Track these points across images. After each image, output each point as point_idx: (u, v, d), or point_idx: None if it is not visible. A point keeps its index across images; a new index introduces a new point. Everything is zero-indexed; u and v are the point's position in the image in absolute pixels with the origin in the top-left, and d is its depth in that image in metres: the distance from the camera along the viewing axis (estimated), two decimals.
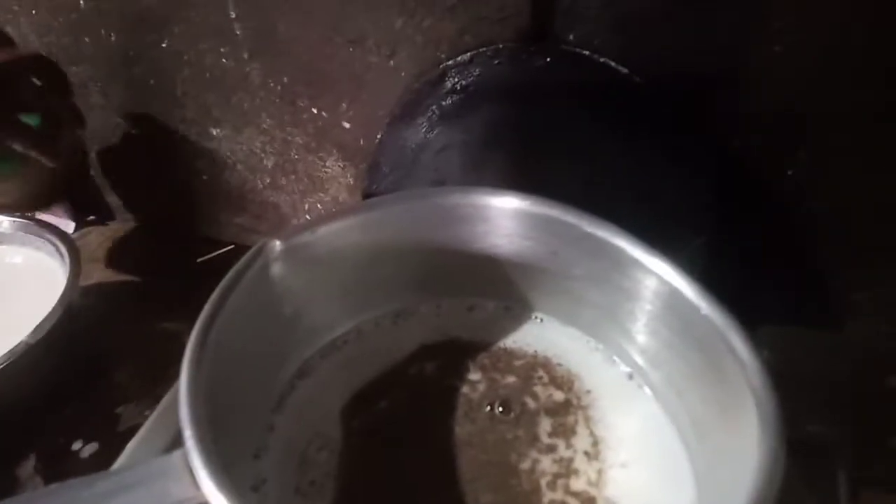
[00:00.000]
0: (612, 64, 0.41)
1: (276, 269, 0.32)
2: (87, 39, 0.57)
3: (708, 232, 0.41)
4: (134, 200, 0.68)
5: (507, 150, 0.43)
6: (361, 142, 0.52)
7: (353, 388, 0.35)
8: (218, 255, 0.65)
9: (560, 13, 0.40)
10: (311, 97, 0.52)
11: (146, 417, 0.41)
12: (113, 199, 0.71)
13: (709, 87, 0.40)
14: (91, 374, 0.54)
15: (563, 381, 0.35)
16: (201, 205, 0.66)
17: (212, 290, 0.29)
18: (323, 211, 0.61)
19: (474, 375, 0.36)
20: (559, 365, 0.36)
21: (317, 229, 0.33)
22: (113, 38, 0.56)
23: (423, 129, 0.46)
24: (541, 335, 0.38)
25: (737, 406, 0.26)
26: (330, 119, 0.52)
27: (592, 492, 0.30)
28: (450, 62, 0.44)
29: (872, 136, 0.39)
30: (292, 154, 0.57)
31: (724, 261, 0.40)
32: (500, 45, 0.42)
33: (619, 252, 0.31)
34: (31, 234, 0.57)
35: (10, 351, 0.46)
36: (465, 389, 0.35)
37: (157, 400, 0.42)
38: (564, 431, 0.33)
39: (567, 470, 0.31)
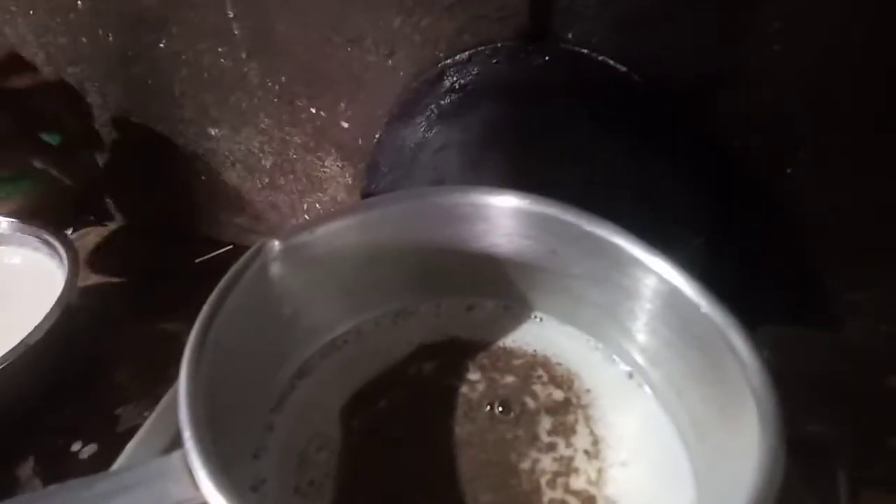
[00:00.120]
0: (611, 62, 0.41)
1: (275, 268, 0.32)
2: (84, 40, 0.57)
3: (707, 232, 0.41)
4: (132, 201, 0.68)
5: (505, 150, 0.43)
6: (360, 141, 0.52)
7: (353, 387, 0.35)
8: (217, 255, 0.65)
9: (558, 12, 0.40)
10: (309, 97, 0.52)
11: (145, 418, 0.41)
12: (111, 200, 0.71)
13: (708, 86, 0.40)
14: (90, 374, 0.54)
15: (562, 380, 0.35)
16: (200, 205, 0.66)
17: (211, 290, 0.29)
18: (322, 211, 0.61)
19: (474, 375, 0.36)
20: (559, 364, 0.36)
21: (316, 229, 0.33)
22: (111, 39, 0.56)
23: (422, 129, 0.46)
24: (540, 334, 0.38)
25: (737, 405, 0.26)
26: (328, 119, 0.52)
27: (592, 490, 0.30)
28: (448, 61, 0.44)
29: (872, 136, 0.39)
30: (291, 154, 0.57)
31: (724, 260, 0.40)
32: (499, 44, 0.42)
33: (619, 251, 0.31)
34: (29, 234, 0.57)
35: (8, 352, 0.46)
36: (464, 389, 0.35)
37: (157, 400, 0.42)
38: (564, 430, 0.33)
39: (567, 469, 0.31)
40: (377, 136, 0.50)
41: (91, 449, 0.48)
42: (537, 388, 0.35)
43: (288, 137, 0.56)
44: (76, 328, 0.51)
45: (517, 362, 0.36)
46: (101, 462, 0.46)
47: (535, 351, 0.37)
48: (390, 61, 0.46)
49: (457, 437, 0.33)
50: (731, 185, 0.42)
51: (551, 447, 0.32)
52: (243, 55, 0.51)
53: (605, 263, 0.32)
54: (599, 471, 0.31)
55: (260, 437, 0.33)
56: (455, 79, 0.44)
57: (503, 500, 0.30)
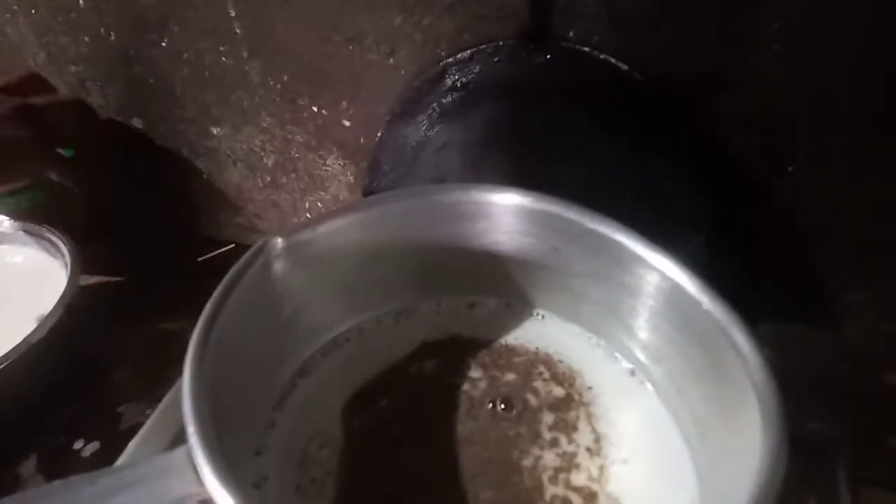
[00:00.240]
0: (612, 61, 0.41)
1: (278, 267, 0.32)
2: (86, 39, 0.57)
3: (707, 231, 0.41)
4: (134, 200, 0.68)
5: (506, 148, 0.43)
6: (362, 140, 0.52)
7: (354, 386, 0.35)
8: (218, 254, 0.65)
9: (559, 10, 0.40)
10: (310, 95, 0.52)
11: (147, 416, 0.41)
12: (112, 192, 0.71)
13: (709, 86, 0.40)
14: (91, 373, 0.54)
15: (564, 377, 0.35)
16: (201, 204, 0.66)
17: (212, 289, 0.29)
18: (323, 209, 0.61)
19: (475, 373, 0.36)
20: (560, 361, 0.36)
21: (317, 227, 0.33)
22: (112, 38, 0.56)
23: (423, 127, 0.46)
24: (542, 332, 0.38)
25: (738, 402, 0.26)
26: (330, 117, 0.52)
27: (594, 487, 0.30)
28: (449, 60, 0.44)
29: (872, 136, 0.39)
30: (292, 152, 0.57)
31: (724, 260, 0.40)
32: (500, 43, 0.42)
33: (621, 248, 0.31)
34: (31, 233, 0.58)
35: (10, 350, 0.46)
36: (466, 387, 0.35)
37: (158, 399, 0.42)
38: (566, 428, 0.33)
39: (569, 465, 0.31)
40: (379, 134, 0.50)
41: (93, 447, 0.48)
42: (539, 385, 0.35)
43: (290, 136, 0.56)
44: (78, 327, 0.52)
45: (519, 360, 0.36)
46: (104, 460, 0.46)
47: (536, 348, 0.37)
48: (392, 60, 0.46)
49: (458, 435, 0.33)
50: (732, 184, 0.43)
51: (553, 444, 0.32)
52: (245, 54, 0.51)
53: (607, 261, 0.32)
54: (601, 468, 0.31)
55: (262, 435, 0.33)
56: (456, 77, 0.45)
57: (505, 498, 0.30)
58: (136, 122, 0.62)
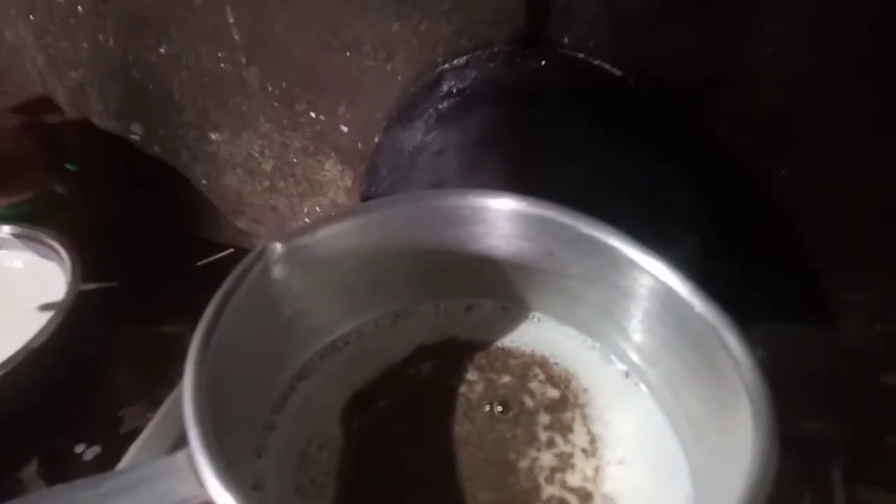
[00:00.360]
0: (607, 67, 0.41)
1: (278, 270, 0.32)
2: (84, 44, 0.58)
3: (707, 231, 0.42)
4: (133, 204, 0.68)
5: (503, 153, 0.43)
6: (359, 145, 0.53)
7: (353, 388, 0.36)
8: (218, 258, 0.66)
9: (554, 15, 0.41)
10: (308, 101, 0.52)
11: (148, 420, 0.42)
12: (113, 204, 0.71)
13: (708, 86, 0.40)
14: (92, 377, 0.54)
15: (560, 379, 0.36)
16: (201, 208, 0.66)
17: (212, 292, 0.30)
18: (322, 213, 0.61)
19: (472, 375, 0.36)
20: (556, 364, 0.36)
21: (317, 231, 0.33)
22: (111, 43, 0.56)
23: (421, 132, 0.46)
24: (538, 334, 0.38)
25: (731, 403, 0.27)
26: (328, 122, 0.53)
27: (590, 487, 0.31)
28: (446, 66, 0.45)
29: (872, 136, 0.39)
30: (291, 157, 0.57)
31: (723, 260, 0.40)
32: (496, 49, 0.43)
33: (615, 252, 0.31)
34: (31, 239, 0.58)
35: (12, 356, 0.47)
36: (463, 389, 0.36)
37: (158, 402, 0.43)
38: (562, 429, 0.33)
39: (565, 466, 0.32)
40: (376, 139, 0.50)
41: (94, 451, 0.48)
42: (535, 387, 0.35)
43: (288, 141, 0.56)
44: (78, 331, 0.52)
45: (515, 362, 0.37)
46: (105, 464, 0.47)
47: (532, 351, 0.37)
48: (389, 66, 0.47)
49: (456, 436, 0.33)
50: (731, 185, 0.43)
51: (549, 445, 0.33)
52: (243, 60, 0.52)
53: (602, 264, 0.32)
54: (597, 468, 0.32)
55: (262, 436, 0.33)
56: (453, 83, 0.45)
57: (502, 499, 0.31)
58: (135, 127, 0.63)
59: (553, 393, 0.35)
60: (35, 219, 0.59)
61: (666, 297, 0.30)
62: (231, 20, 0.50)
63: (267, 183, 0.61)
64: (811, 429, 0.44)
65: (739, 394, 0.26)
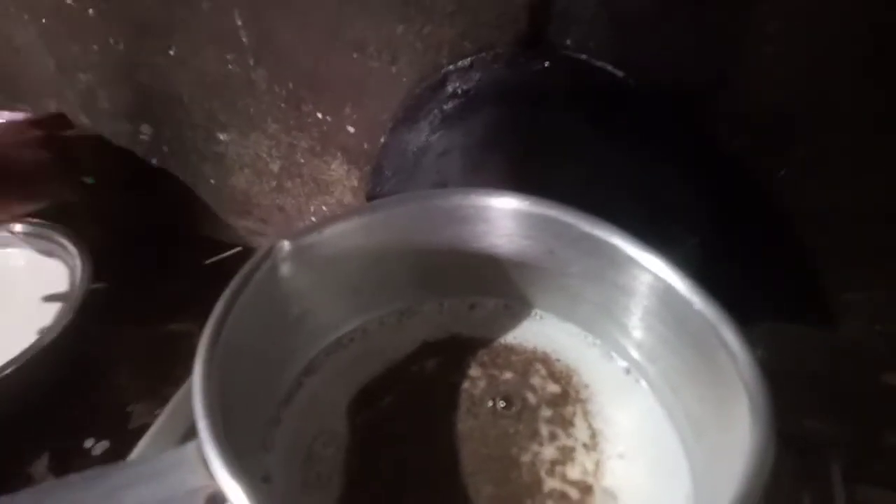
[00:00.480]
0: (609, 67, 0.41)
1: (285, 269, 0.33)
2: (94, 47, 0.58)
3: (707, 231, 0.42)
4: (142, 204, 0.69)
5: (507, 153, 0.43)
6: (365, 145, 0.53)
7: (359, 384, 0.36)
8: (225, 257, 0.66)
9: (556, 18, 0.41)
10: (315, 102, 0.53)
11: (155, 416, 0.42)
12: (122, 203, 0.72)
13: (708, 86, 0.40)
14: (101, 373, 0.55)
15: (561, 375, 0.36)
16: (209, 208, 0.67)
17: (219, 291, 0.30)
18: (328, 213, 0.61)
19: (475, 371, 0.37)
20: (558, 360, 0.37)
21: (323, 230, 0.34)
22: (121, 46, 0.57)
23: (426, 133, 0.46)
24: (540, 331, 0.38)
25: (730, 399, 0.27)
26: (334, 123, 0.53)
27: (590, 481, 0.31)
28: (450, 67, 0.45)
29: (872, 136, 0.39)
30: (298, 158, 0.58)
31: (723, 260, 0.41)
32: (500, 50, 0.43)
33: (615, 250, 0.31)
34: (42, 237, 0.59)
35: (22, 352, 0.47)
36: (466, 385, 0.36)
37: (166, 399, 0.43)
38: (563, 423, 0.34)
39: (565, 459, 0.32)
40: (382, 140, 0.50)
41: (103, 446, 0.49)
42: (537, 383, 0.36)
43: (295, 142, 0.56)
44: (87, 329, 0.52)
45: (517, 358, 0.37)
46: (114, 458, 0.47)
47: (534, 347, 0.38)
48: (394, 68, 0.47)
49: (459, 432, 0.34)
50: (731, 185, 0.43)
51: (550, 440, 0.33)
52: (251, 62, 0.52)
53: (602, 262, 0.32)
54: (597, 463, 0.32)
55: (268, 432, 0.33)
56: (457, 84, 0.45)
57: (504, 493, 0.31)
58: (144, 128, 0.63)
59: (554, 388, 0.35)
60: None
61: (665, 294, 0.30)
62: (239, 23, 0.50)
63: (274, 183, 0.61)
64: (811, 428, 0.44)
65: (738, 390, 0.26)
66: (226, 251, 0.67)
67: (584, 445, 0.33)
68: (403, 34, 0.45)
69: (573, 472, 0.32)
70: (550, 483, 0.31)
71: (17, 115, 0.63)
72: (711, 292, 0.29)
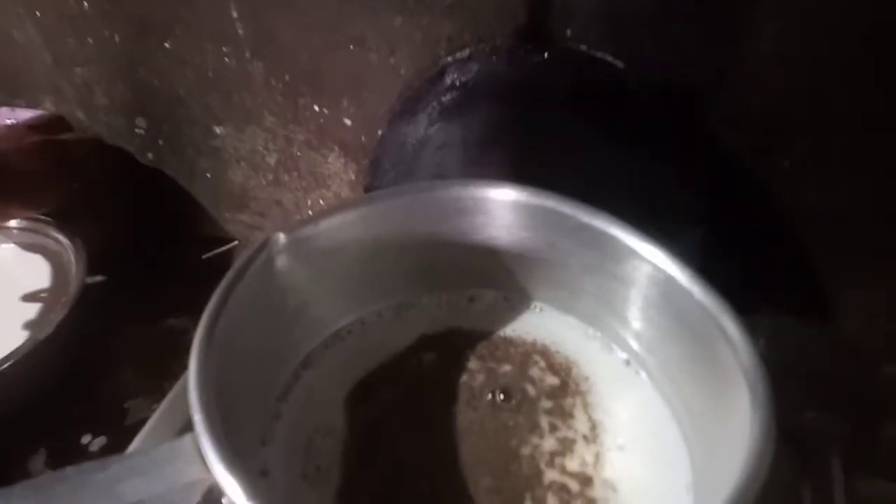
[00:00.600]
0: (609, 59, 0.41)
1: (281, 261, 0.32)
2: (90, 41, 0.58)
3: (706, 230, 0.42)
4: (138, 198, 0.69)
5: (506, 146, 0.43)
6: (363, 138, 0.53)
7: (357, 377, 0.36)
8: (222, 251, 0.66)
9: (556, 10, 0.41)
10: (312, 95, 0.53)
11: (153, 411, 0.42)
12: (118, 198, 0.72)
13: (708, 85, 0.40)
14: (98, 369, 0.55)
15: (560, 367, 0.36)
16: (205, 202, 0.67)
17: (215, 286, 0.30)
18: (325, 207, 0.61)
19: (474, 364, 0.36)
20: (557, 352, 0.37)
21: (320, 222, 0.33)
22: (117, 40, 0.57)
23: (424, 126, 0.46)
24: (539, 324, 0.38)
25: (729, 389, 0.27)
26: (331, 116, 0.53)
27: (590, 472, 0.31)
28: (449, 59, 0.45)
29: (872, 137, 0.39)
30: (295, 151, 0.58)
31: (723, 258, 0.40)
32: (499, 43, 0.43)
33: (615, 241, 0.31)
34: (38, 232, 0.58)
35: (18, 348, 0.47)
36: (465, 378, 0.36)
37: (163, 394, 0.43)
38: (563, 416, 0.34)
39: (565, 451, 0.32)
40: (380, 133, 0.50)
41: (100, 442, 0.49)
42: (536, 375, 0.36)
43: (292, 135, 0.56)
44: (83, 324, 0.52)
45: (516, 351, 0.37)
46: (111, 454, 0.47)
47: (534, 340, 0.37)
48: (392, 60, 0.47)
49: (459, 425, 0.33)
50: (731, 184, 0.43)
51: (550, 432, 0.33)
52: (247, 55, 0.52)
53: (602, 254, 0.32)
54: (597, 454, 0.32)
55: (267, 425, 0.33)
56: (456, 77, 0.45)
57: (504, 485, 0.31)
58: (140, 122, 0.63)
59: (554, 381, 0.35)
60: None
61: (665, 285, 0.30)
62: (235, 16, 0.50)
63: (271, 177, 0.61)
64: (810, 422, 0.44)
65: (738, 381, 0.26)
66: (223, 245, 0.67)
67: (584, 437, 0.33)
68: (402, 26, 0.45)
69: (573, 464, 0.31)
70: (550, 475, 0.31)
71: (14, 112, 0.63)
72: (711, 283, 0.29)
